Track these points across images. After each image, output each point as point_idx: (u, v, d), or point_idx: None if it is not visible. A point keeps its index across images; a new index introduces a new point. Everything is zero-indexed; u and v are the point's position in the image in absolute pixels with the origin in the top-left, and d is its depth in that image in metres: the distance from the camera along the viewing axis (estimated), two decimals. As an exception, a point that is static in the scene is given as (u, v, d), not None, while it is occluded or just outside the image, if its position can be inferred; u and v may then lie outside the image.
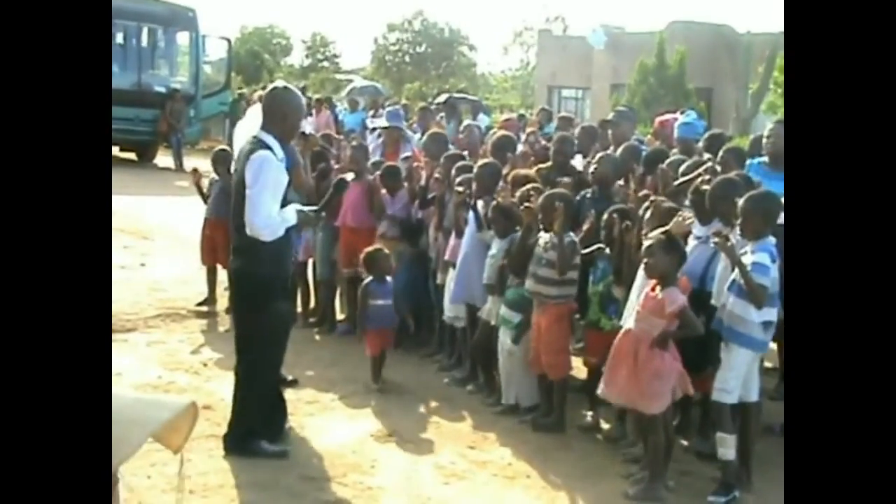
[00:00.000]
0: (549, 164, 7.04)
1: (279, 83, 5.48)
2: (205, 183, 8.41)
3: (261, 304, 5.06)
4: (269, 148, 4.92)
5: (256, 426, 5.17)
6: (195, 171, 8.71)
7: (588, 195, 6.37)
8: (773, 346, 5.68)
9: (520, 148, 8.09)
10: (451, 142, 8.76)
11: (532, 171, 6.78)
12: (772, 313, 4.81)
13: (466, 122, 11.97)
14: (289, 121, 5.05)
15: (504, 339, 5.97)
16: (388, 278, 6.57)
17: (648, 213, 5.41)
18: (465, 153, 8.01)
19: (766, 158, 6.31)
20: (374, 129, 11.85)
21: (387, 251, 6.68)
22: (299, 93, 5.30)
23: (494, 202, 6.12)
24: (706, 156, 6.62)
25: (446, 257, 6.75)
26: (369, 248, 6.71)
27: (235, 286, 5.21)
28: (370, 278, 6.53)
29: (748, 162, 6.30)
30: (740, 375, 4.83)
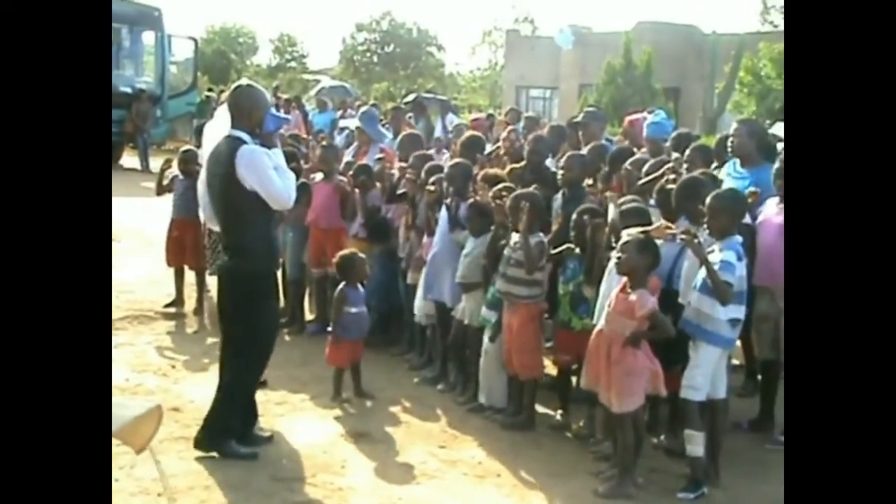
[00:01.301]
0: (523, 163, 7.04)
1: (243, 81, 5.57)
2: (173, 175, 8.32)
3: (256, 302, 5.11)
4: (244, 143, 5.00)
5: (235, 426, 5.16)
6: (167, 161, 8.63)
7: (558, 195, 6.39)
8: (739, 343, 5.75)
9: (488, 147, 8.09)
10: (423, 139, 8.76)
11: (502, 171, 6.78)
12: (739, 311, 4.86)
13: (456, 121, 11.99)
14: (254, 116, 5.11)
15: (484, 337, 5.98)
16: (361, 285, 6.39)
17: (612, 212, 5.43)
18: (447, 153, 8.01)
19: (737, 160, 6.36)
20: (343, 129, 11.81)
21: (362, 255, 6.50)
22: (262, 89, 5.36)
23: (471, 201, 6.14)
24: (674, 155, 6.67)
25: (419, 256, 6.73)
26: (344, 252, 6.51)
27: (229, 285, 5.19)
28: (343, 283, 6.35)
29: (729, 162, 6.35)
30: (708, 373, 4.88)
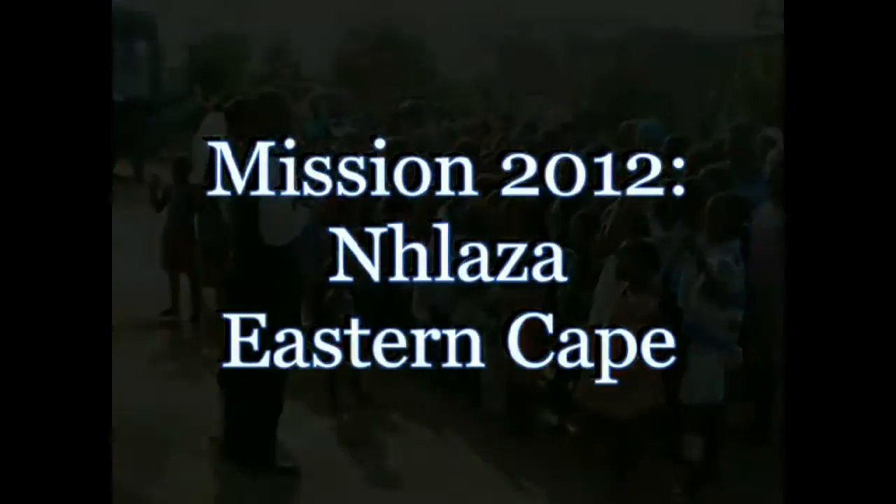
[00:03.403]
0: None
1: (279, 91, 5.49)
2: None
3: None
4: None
5: (271, 438, 5.05)
6: (155, 176, 8.63)
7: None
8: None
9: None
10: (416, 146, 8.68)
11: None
12: (737, 314, 4.86)
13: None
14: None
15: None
16: None
17: (611, 217, 5.43)
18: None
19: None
20: (336, 138, 11.75)
21: None
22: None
23: (468, 206, 6.15)
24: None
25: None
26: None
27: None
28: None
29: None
30: (706, 376, 4.87)
